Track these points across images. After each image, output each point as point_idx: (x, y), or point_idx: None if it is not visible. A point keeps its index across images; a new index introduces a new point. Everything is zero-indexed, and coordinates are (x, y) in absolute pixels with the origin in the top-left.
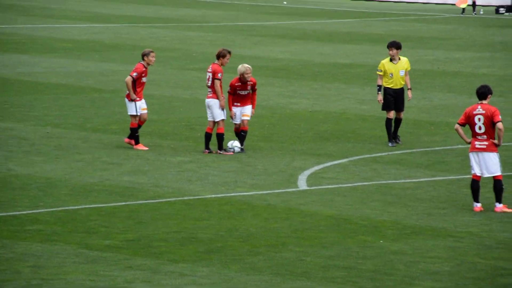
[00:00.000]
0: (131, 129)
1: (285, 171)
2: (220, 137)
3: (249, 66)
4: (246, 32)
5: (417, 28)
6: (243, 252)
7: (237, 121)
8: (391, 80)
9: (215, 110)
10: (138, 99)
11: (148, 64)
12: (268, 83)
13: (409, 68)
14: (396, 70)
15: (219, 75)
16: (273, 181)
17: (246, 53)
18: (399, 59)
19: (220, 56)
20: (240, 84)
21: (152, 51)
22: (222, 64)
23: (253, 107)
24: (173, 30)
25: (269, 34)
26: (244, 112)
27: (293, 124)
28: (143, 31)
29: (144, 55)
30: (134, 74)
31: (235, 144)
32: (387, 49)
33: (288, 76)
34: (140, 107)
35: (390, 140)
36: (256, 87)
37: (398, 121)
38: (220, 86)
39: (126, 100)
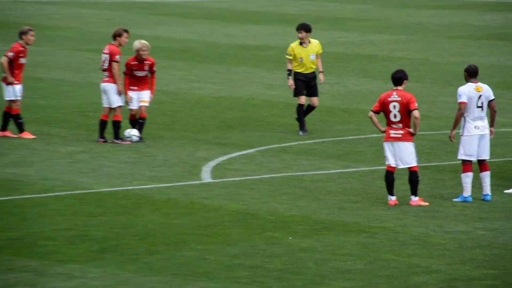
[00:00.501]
0: (13, 115)
1: (187, 162)
2: (117, 125)
3: (146, 43)
4: (146, 10)
5: (331, 8)
6: (140, 251)
7: (134, 107)
8: (301, 64)
9: (112, 96)
10: (16, 82)
11: (26, 43)
12: (169, 66)
13: (320, 51)
14: (306, 54)
15: (117, 57)
16: (174, 173)
17: (146, 33)
18: (309, 42)
19: (116, 35)
20: (136, 63)
21: (31, 29)
22: (120, 45)
23: (151, 92)
24: (65, 7)
25: (171, 12)
26: (141, 98)
27: (196, 111)
28: (30, 7)
29: (21, 34)
30: (10, 54)
31: (132, 132)
32: (296, 32)
33: (192, 59)
34: (20, 90)
35: (302, 128)
36: (154, 69)
37: (310, 108)
38: (118, 69)
39: (3, 83)
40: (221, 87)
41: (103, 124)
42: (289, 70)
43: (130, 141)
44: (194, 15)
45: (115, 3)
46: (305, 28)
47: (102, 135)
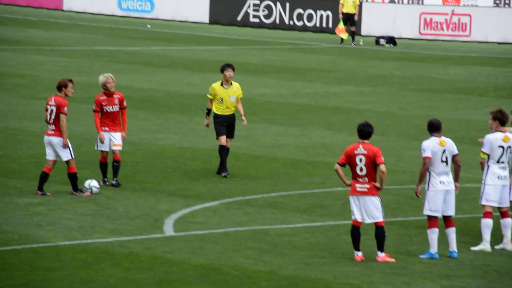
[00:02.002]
0: None
1: (149, 215)
2: (73, 177)
3: (110, 75)
4: (106, 57)
5: (294, 59)
6: None
7: (105, 148)
8: (222, 105)
9: (61, 150)
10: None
11: (66, 95)
12: (130, 115)
13: (241, 95)
14: (227, 95)
15: (65, 109)
16: (135, 226)
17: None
18: (231, 84)
19: (61, 86)
20: (105, 97)
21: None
22: (66, 95)
23: (124, 130)
24: (20, 54)
25: (132, 60)
26: (113, 141)
27: (158, 162)
28: None
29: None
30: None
31: (92, 184)
32: (224, 71)
33: (154, 108)
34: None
35: (223, 169)
36: (125, 104)
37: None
38: (65, 121)
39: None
40: (184, 138)
41: (44, 176)
42: (208, 110)
43: (90, 192)
44: (155, 64)
45: (72, 50)
46: (233, 67)
47: (40, 188)
